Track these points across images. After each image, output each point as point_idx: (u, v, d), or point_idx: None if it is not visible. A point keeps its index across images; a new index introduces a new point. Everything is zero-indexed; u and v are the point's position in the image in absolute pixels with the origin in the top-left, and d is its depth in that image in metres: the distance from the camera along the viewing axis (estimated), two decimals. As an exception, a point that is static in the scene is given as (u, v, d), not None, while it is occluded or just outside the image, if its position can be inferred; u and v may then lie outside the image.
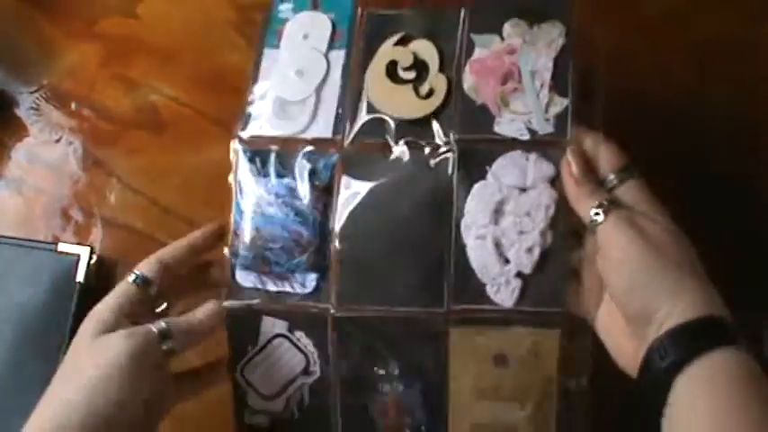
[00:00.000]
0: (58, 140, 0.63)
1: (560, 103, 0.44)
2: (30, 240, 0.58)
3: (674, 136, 0.61)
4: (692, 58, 0.63)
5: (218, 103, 0.62)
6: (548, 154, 0.44)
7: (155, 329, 0.43)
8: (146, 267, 0.46)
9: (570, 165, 0.42)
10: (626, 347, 0.40)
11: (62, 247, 0.57)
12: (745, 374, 0.35)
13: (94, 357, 0.41)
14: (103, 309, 0.44)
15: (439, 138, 0.45)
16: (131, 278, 0.45)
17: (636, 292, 0.38)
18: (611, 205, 0.40)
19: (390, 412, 0.47)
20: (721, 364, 0.35)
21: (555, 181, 0.43)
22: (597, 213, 0.40)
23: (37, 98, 0.64)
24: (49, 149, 0.62)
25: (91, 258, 0.56)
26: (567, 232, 0.43)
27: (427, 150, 0.45)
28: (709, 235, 0.58)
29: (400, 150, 0.46)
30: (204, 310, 0.45)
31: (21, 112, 0.64)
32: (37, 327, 0.54)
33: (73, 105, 0.63)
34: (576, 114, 0.44)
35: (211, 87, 0.63)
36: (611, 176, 0.42)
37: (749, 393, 0.35)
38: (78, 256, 0.56)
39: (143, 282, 0.45)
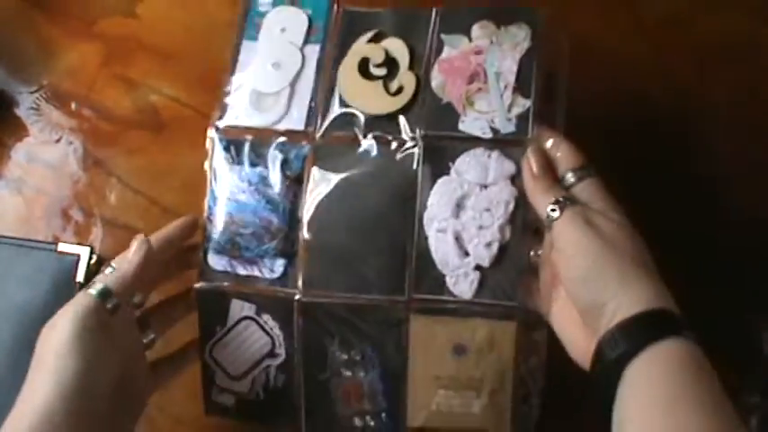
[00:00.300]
0: (58, 140, 0.62)
1: (523, 105, 0.46)
2: (30, 240, 0.58)
3: (676, 137, 0.61)
4: (692, 60, 0.63)
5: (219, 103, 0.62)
6: (509, 152, 0.46)
7: (91, 291, 0.43)
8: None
9: (530, 162, 0.44)
10: (580, 341, 0.41)
11: (62, 247, 0.57)
12: (695, 363, 0.36)
13: (45, 344, 0.42)
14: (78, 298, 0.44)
15: (405, 133, 0.47)
16: (108, 270, 0.46)
17: (588, 284, 0.40)
18: (566, 202, 0.41)
19: (351, 397, 0.48)
20: (670, 353, 0.36)
21: (515, 179, 0.45)
22: (553, 209, 0.41)
23: (37, 98, 0.64)
24: (49, 149, 0.62)
25: (91, 258, 0.56)
26: (525, 228, 0.45)
27: (394, 145, 0.47)
28: (710, 235, 0.58)
29: (368, 144, 0.47)
30: (131, 250, 0.46)
31: (21, 112, 0.64)
32: (37, 327, 0.54)
33: (73, 105, 0.63)
34: (538, 115, 0.46)
35: (211, 87, 0.63)
36: (569, 175, 0.43)
37: (700, 381, 0.35)
38: (78, 256, 0.56)
39: None
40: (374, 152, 0.47)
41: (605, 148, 0.60)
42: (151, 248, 0.46)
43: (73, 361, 0.41)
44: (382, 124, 0.47)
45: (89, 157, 0.62)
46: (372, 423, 0.48)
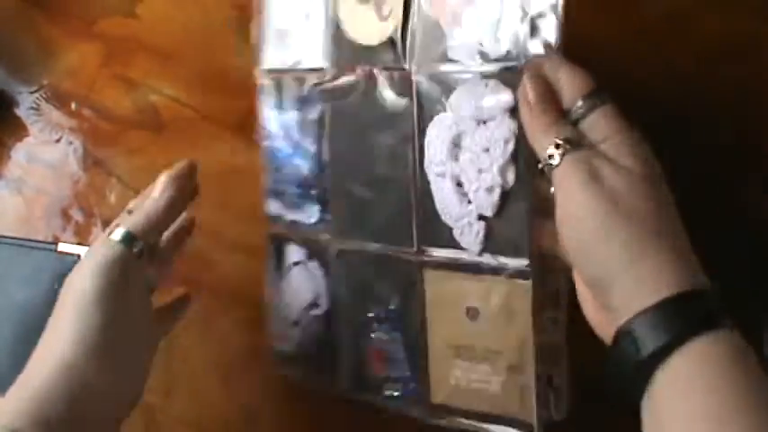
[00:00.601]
0: (58, 140, 0.62)
1: (518, 17, 0.37)
2: (30, 240, 0.58)
3: (677, 137, 0.61)
4: (694, 58, 0.63)
5: (219, 103, 0.62)
6: (506, 79, 0.38)
7: (114, 238, 0.41)
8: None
9: (526, 91, 0.35)
10: (593, 312, 0.36)
11: (62, 247, 0.57)
12: (738, 363, 0.30)
13: (67, 297, 0.40)
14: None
15: (396, 65, 0.42)
16: (127, 214, 0.44)
17: (591, 254, 0.33)
18: (568, 145, 0.34)
19: (377, 360, 0.46)
20: (709, 352, 0.30)
21: (515, 110, 0.37)
22: (551, 155, 0.34)
23: (37, 98, 0.64)
24: (49, 149, 0.62)
25: (91, 258, 0.56)
26: (531, 168, 0.37)
27: (386, 80, 0.42)
28: (711, 235, 0.58)
29: (363, 81, 0.44)
30: (158, 188, 0.44)
31: (21, 112, 0.64)
32: (37, 327, 0.54)
33: (73, 105, 0.63)
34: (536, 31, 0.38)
35: (211, 87, 0.63)
36: (579, 103, 0.35)
37: (745, 386, 0.29)
38: (78, 256, 0.56)
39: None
40: (370, 90, 0.43)
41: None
42: (181, 186, 0.44)
43: (96, 316, 0.38)
44: (375, 55, 0.43)
45: (89, 157, 0.62)
46: (399, 393, 0.46)
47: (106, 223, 0.60)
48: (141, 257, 0.41)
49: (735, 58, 0.63)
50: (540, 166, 0.36)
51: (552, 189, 0.35)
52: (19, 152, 0.62)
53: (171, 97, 0.63)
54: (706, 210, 0.59)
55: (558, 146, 0.34)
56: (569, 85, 0.35)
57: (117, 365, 0.39)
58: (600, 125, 0.34)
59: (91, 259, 0.40)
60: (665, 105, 0.62)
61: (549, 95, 0.35)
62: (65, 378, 0.37)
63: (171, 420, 0.55)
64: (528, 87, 0.35)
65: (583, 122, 0.35)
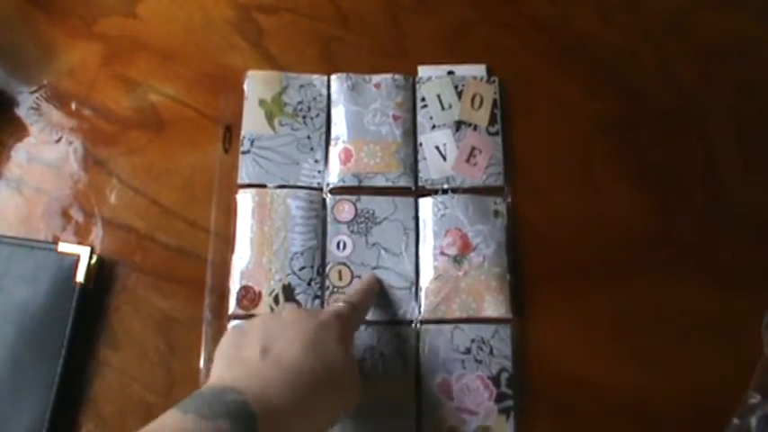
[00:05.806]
0: (58, 140, 0.62)
1: None
2: (30, 240, 0.58)
3: (676, 137, 0.61)
4: (694, 58, 0.63)
5: (219, 102, 0.62)
6: None
7: (344, 311, 0.49)
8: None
9: None
10: None
11: (62, 247, 0.57)
12: None
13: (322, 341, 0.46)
14: None
15: None
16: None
17: None
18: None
19: None
20: None
21: None
22: None
23: (37, 98, 0.64)
24: (49, 149, 0.62)
25: (91, 258, 0.56)
26: None
27: None
28: (711, 234, 0.58)
29: None
30: (364, 281, 0.56)
31: (21, 112, 0.63)
32: (37, 327, 0.54)
33: (73, 105, 0.63)
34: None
35: (211, 87, 0.63)
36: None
37: None
38: (78, 256, 0.56)
39: None
40: None
41: (605, 146, 0.60)
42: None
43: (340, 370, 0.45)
44: None
45: (89, 157, 0.62)
46: None
47: (106, 223, 0.60)
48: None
49: (735, 58, 0.63)
50: None
51: None
52: (19, 152, 0.62)
53: (171, 97, 0.63)
54: (706, 208, 0.59)
55: None
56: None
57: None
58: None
59: (346, 328, 0.48)
60: (664, 104, 0.62)
61: None
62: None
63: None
64: None
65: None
